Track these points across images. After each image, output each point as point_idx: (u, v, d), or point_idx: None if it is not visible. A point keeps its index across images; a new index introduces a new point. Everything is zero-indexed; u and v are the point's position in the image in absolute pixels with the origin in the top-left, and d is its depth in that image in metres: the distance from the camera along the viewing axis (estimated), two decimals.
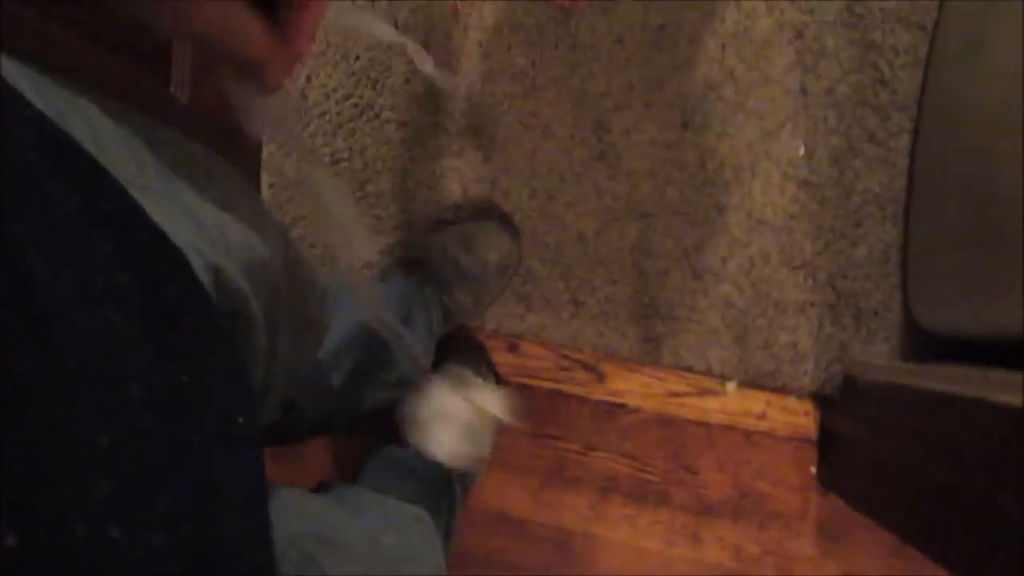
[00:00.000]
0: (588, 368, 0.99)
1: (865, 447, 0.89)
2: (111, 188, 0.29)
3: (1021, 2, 0.79)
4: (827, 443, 0.96)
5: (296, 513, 0.58)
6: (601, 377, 0.98)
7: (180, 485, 0.25)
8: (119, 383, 0.24)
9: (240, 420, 0.29)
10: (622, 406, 0.98)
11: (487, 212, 1.00)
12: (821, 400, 0.96)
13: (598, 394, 0.98)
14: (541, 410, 0.99)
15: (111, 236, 0.26)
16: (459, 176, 1.01)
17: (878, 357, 0.95)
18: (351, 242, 0.47)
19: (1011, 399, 0.65)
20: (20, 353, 0.21)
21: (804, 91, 0.97)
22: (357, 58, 1.03)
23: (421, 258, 0.95)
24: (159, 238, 0.30)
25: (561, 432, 0.98)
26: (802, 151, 0.97)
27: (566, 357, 0.99)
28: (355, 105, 1.02)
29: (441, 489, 0.86)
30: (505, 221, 0.99)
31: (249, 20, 0.31)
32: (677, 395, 0.98)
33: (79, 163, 0.28)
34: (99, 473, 0.22)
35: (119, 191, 0.29)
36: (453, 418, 0.86)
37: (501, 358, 0.99)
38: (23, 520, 0.19)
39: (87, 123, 0.30)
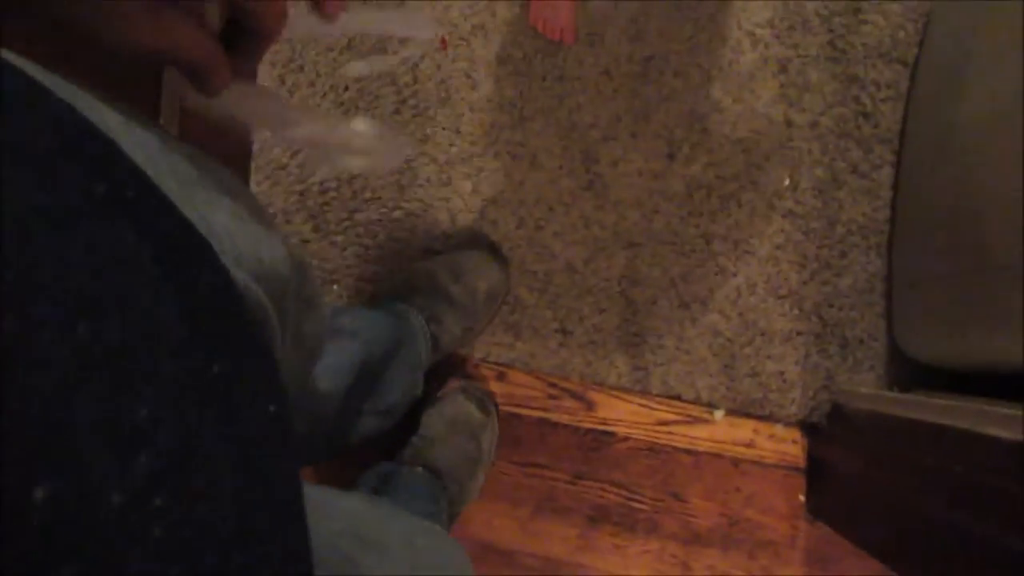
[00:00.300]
0: (576, 397, 0.99)
1: (853, 475, 0.90)
2: (136, 176, 0.29)
3: (1000, 38, 0.81)
4: (815, 471, 0.96)
5: (331, 512, 0.58)
6: (590, 406, 0.99)
7: (218, 464, 0.25)
8: (150, 362, 0.24)
9: (271, 408, 0.29)
10: (611, 435, 0.98)
11: (476, 241, 1.00)
12: (809, 428, 0.97)
13: (587, 423, 0.98)
14: (529, 439, 0.98)
15: (137, 222, 0.27)
16: (447, 206, 1.01)
17: (864, 386, 0.96)
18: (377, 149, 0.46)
19: (998, 432, 0.66)
20: (44, 329, 0.21)
21: (788, 123, 0.99)
22: (346, 88, 1.03)
23: (410, 287, 0.95)
24: (187, 227, 0.30)
25: (549, 461, 0.98)
26: (787, 182, 0.98)
27: (554, 386, 0.99)
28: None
29: (435, 509, 0.86)
30: (494, 250, 1.00)
31: (188, 29, 0.33)
32: (665, 423, 0.98)
33: (103, 150, 0.28)
34: (139, 444, 0.22)
35: (145, 180, 0.29)
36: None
37: (489, 387, 0.99)
38: (55, 478, 0.19)
39: (102, 120, 0.31)
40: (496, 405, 0.98)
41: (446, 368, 0.99)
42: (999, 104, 0.79)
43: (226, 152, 1.03)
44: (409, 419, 0.93)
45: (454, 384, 0.97)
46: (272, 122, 0.43)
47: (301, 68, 1.05)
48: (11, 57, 0.28)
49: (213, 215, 0.36)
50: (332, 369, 0.83)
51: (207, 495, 0.24)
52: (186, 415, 0.24)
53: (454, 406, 0.94)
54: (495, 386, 0.99)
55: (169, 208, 0.29)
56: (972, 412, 0.73)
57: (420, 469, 0.88)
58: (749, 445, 0.97)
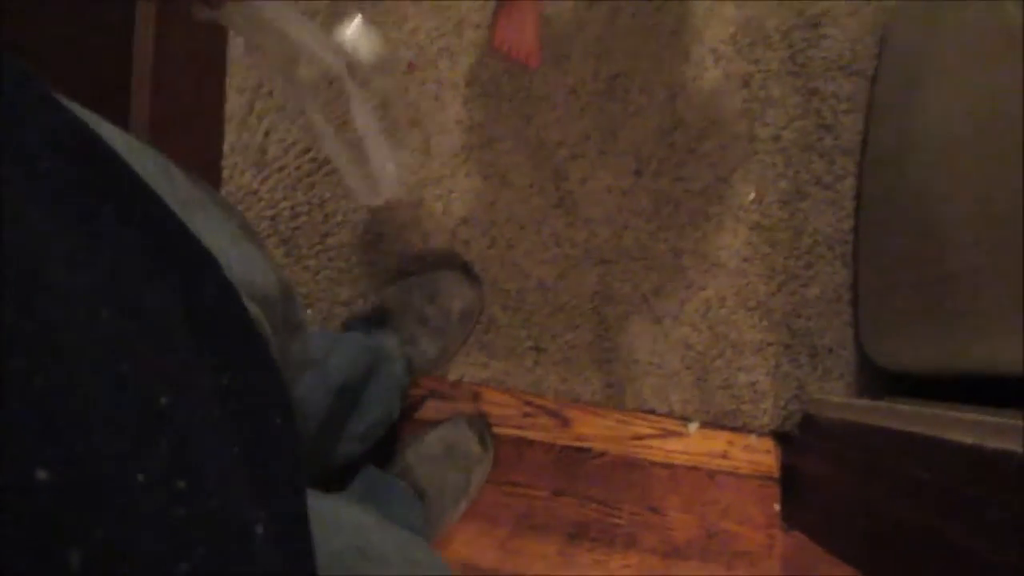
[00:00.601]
0: (552, 414, 0.99)
1: (825, 483, 0.91)
2: (144, 192, 0.29)
3: (955, 50, 0.83)
4: (789, 480, 0.97)
5: (335, 526, 0.59)
6: (565, 423, 0.99)
7: (231, 460, 0.25)
8: (162, 362, 0.25)
9: (277, 421, 0.30)
10: (587, 451, 0.99)
11: (449, 262, 1.01)
12: (781, 438, 0.98)
13: (563, 440, 0.99)
14: (506, 457, 0.99)
15: (145, 235, 0.27)
16: (419, 227, 1.01)
17: (834, 394, 0.98)
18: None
19: (963, 438, 0.68)
20: (51, 319, 0.22)
21: (752, 137, 1.00)
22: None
23: (384, 310, 0.95)
24: (193, 242, 0.31)
25: (527, 479, 0.99)
26: (752, 195, 1.00)
27: (530, 404, 1.00)
28: (313, 159, 1.03)
29: (418, 525, 0.86)
30: (467, 270, 1.00)
31: None
32: (641, 438, 0.99)
33: (112, 165, 0.29)
34: (160, 428, 0.23)
35: (152, 195, 0.30)
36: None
37: (465, 407, 0.99)
38: (60, 462, 0.19)
39: (111, 139, 0.31)
40: (494, 443, 0.98)
41: (441, 392, 0.99)
42: (954, 114, 0.81)
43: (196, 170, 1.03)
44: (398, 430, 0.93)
45: (462, 412, 0.98)
46: (276, 47, 0.44)
47: (270, 94, 1.05)
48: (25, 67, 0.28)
49: (210, 237, 0.36)
50: (310, 394, 0.83)
51: (221, 489, 0.24)
52: (200, 409, 0.25)
53: (457, 433, 0.94)
54: (471, 406, 0.99)
55: (178, 224, 0.30)
56: (937, 418, 0.74)
57: (404, 484, 0.88)
58: (724, 457, 0.98)
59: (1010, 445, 0.62)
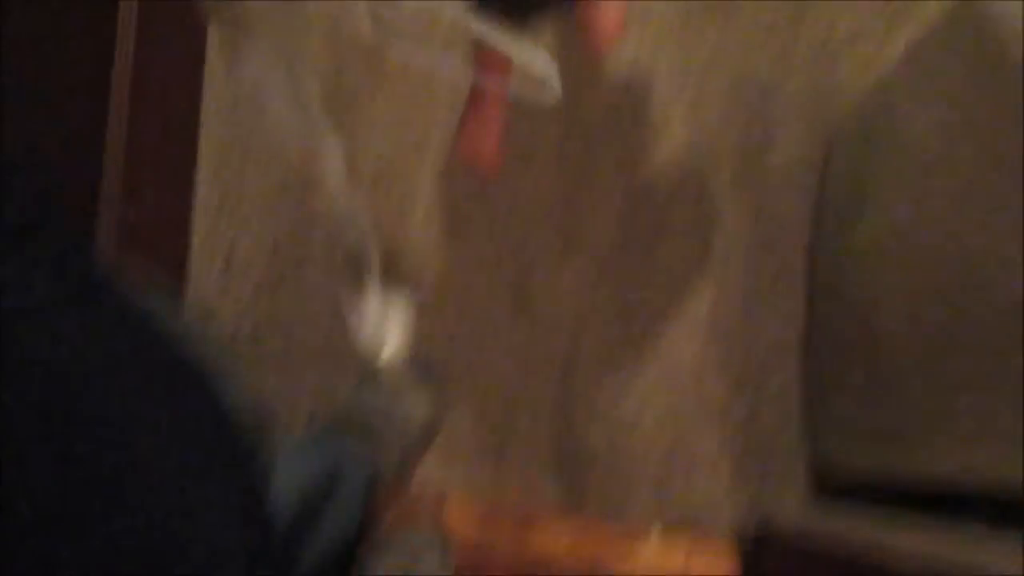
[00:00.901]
0: (513, 521, 0.99)
1: None
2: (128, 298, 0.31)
3: (891, 165, 0.87)
4: None
5: None
6: (527, 528, 0.99)
7: (241, 474, 0.26)
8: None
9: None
10: (549, 558, 0.99)
11: (411, 369, 1.02)
12: (741, 544, 0.99)
13: (523, 547, 0.99)
14: (466, 566, 0.98)
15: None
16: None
17: (790, 498, 0.99)
18: None
19: (906, 549, 0.69)
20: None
21: (708, 246, 1.03)
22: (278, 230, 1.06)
23: (346, 418, 0.96)
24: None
25: None
26: (710, 301, 1.02)
27: (490, 511, 1.00)
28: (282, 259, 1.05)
29: None
30: (429, 374, 1.01)
31: None
32: (602, 544, 0.99)
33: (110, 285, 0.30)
34: (174, 435, 0.24)
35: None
36: None
37: (425, 516, 0.99)
38: (58, 456, 0.20)
39: None
40: (453, 554, 0.98)
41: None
42: (889, 229, 0.84)
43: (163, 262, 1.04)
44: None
45: (422, 522, 0.97)
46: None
47: (240, 195, 1.07)
48: None
49: None
50: (277, 499, 0.83)
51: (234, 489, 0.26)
52: (204, 436, 0.27)
53: (416, 546, 0.93)
54: (431, 514, 0.99)
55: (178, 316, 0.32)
56: (882, 529, 0.76)
57: None
58: (685, 564, 0.98)
59: (960, 557, 0.63)
